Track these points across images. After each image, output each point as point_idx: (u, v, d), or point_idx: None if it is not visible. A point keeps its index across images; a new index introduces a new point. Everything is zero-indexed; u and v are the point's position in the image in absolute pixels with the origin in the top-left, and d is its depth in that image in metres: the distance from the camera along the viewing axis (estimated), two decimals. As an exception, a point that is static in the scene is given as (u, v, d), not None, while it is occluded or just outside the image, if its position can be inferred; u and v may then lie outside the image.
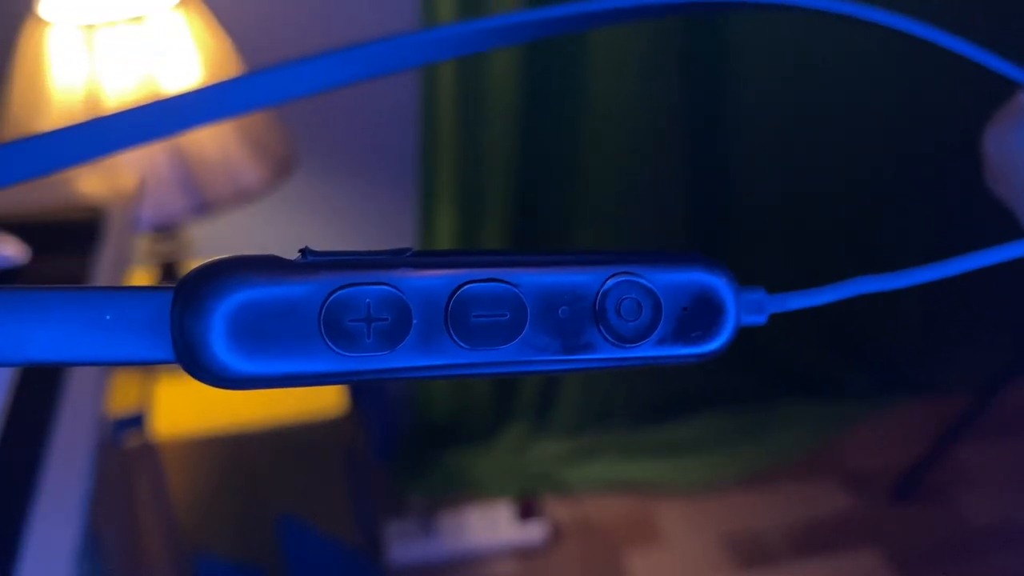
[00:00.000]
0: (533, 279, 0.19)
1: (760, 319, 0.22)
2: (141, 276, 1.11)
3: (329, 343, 0.18)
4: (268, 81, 0.23)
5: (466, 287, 0.19)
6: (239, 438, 1.09)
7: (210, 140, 0.98)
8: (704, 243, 1.53)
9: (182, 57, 0.96)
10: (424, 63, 0.23)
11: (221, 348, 0.18)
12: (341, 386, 1.13)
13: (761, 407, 1.59)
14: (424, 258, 0.19)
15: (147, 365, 0.18)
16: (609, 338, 0.20)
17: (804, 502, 1.46)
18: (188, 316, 0.18)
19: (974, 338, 1.65)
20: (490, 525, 1.41)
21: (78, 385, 0.58)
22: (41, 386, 0.58)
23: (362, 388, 1.32)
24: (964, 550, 1.37)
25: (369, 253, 0.19)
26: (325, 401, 1.11)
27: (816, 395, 1.61)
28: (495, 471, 1.50)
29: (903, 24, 0.24)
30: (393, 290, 0.18)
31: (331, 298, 0.18)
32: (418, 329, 0.19)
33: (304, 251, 0.18)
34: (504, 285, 0.19)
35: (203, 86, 0.22)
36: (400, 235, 1.40)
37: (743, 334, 0.21)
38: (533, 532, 1.40)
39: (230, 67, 1.01)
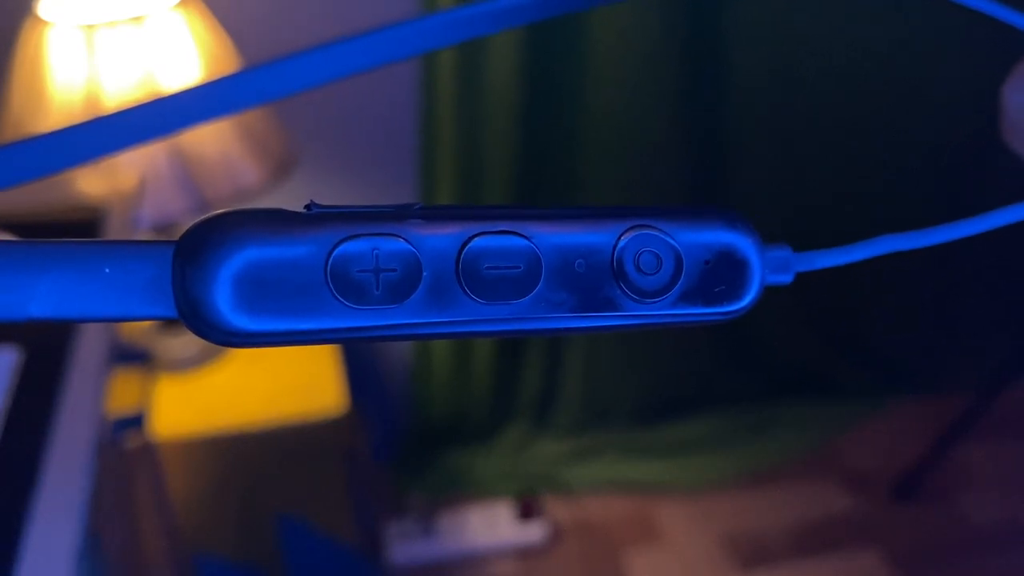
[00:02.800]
0: (547, 231, 0.18)
1: (786, 278, 0.21)
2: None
3: (336, 295, 0.17)
4: (269, 75, 0.23)
5: (477, 238, 0.18)
6: (239, 438, 1.08)
7: (210, 140, 0.98)
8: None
9: (182, 57, 0.96)
10: (422, 51, 0.23)
11: (226, 304, 0.17)
12: (342, 382, 1.13)
13: (761, 407, 1.59)
14: (433, 211, 0.18)
15: (148, 321, 0.18)
16: (629, 293, 0.19)
17: (804, 502, 1.46)
18: (191, 271, 0.17)
19: (974, 338, 1.65)
20: (490, 525, 1.41)
21: (78, 385, 0.58)
22: (41, 386, 0.58)
23: (362, 388, 1.31)
24: (964, 550, 1.37)
25: (376, 206, 0.18)
26: (325, 401, 1.11)
27: (816, 395, 1.61)
28: (495, 471, 1.50)
29: None
30: (402, 241, 0.18)
31: (338, 248, 0.17)
32: (428, 281, 0.18)
33: (310, 205, 0.18)
34: (517, 237, 0.18)
35: (202, 83, 0.22)
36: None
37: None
38: (533, 532, 1.40)
39: (230, 67, 1.01)
